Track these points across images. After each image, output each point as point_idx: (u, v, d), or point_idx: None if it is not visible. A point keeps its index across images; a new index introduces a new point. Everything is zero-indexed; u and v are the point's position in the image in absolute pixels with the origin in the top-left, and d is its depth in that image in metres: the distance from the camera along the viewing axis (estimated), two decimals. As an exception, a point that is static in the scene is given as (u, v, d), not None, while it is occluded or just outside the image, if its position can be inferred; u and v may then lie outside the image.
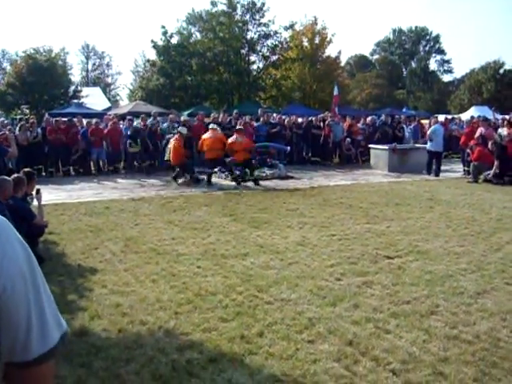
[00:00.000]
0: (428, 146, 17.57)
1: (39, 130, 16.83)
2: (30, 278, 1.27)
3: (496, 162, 15.43)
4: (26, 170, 8.00)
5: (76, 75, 66.98)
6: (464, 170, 17.71)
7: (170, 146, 15.57)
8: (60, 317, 1.36)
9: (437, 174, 17.22)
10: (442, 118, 25.41)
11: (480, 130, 16.91)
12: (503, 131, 16.30)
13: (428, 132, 18.27)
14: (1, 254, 1.22)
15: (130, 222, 9.80)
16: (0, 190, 6.37)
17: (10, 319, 1.24)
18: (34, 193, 7.83)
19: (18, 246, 1.27)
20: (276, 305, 5.52)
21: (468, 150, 17.14)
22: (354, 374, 4.09)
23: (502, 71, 59.10)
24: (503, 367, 4.18)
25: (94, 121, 18.70)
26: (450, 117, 28.41)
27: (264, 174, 16.33)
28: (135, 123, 19.07)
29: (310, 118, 22.04)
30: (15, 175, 7.25)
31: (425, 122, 25.68)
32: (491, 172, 15.42)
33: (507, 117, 22.05)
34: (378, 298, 5.75)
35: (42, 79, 36.67)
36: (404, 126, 22.85)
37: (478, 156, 15.95)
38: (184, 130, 15.75)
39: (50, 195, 12.12)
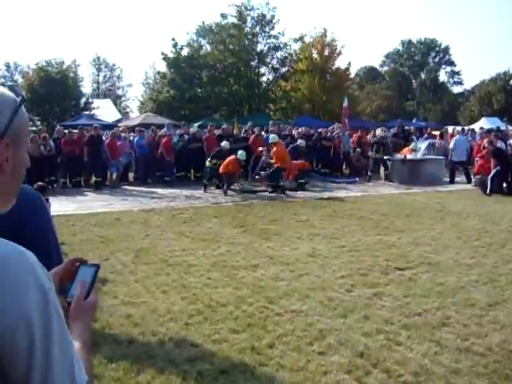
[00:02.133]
0: (450, 156, 18.07)
1: (52, 142, 16.87)
2: (39, 331, 1.06)
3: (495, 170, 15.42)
4: (40, 183, 8.04)
5: (87, 87, 67.45)
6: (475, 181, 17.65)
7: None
8: None
9: (469, 181, 17.89)
10: (458, 129, 25.72)
11: (485, 142, 16.96)
12: None
13: (451, 143, 18.69)
14: (2, 293, 1.03)
15: (140, 233, 9.83)
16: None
17: (9, 376, 1.05)
18: None
19: (31, 287, 1.07)
20: (286, 316, 5.51)
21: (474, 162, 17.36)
22: (366, 385, 4.07)
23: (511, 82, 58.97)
24: (516, 380, 4.15)
25: (110, 133, 18.68)
26: (458, 128, 28.43)
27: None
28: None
29: (319, 130, 22.08)
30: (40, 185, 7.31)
31: (435, 133, 25.69)
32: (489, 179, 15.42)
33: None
34: (388, 309, 5.73)
35: (54, 91, 37.00)
36: (414, 137, 22.80)
37: (480, 169, 15.97)
38: (243, 156, 16.17)
39: (61, 206, 12.17)
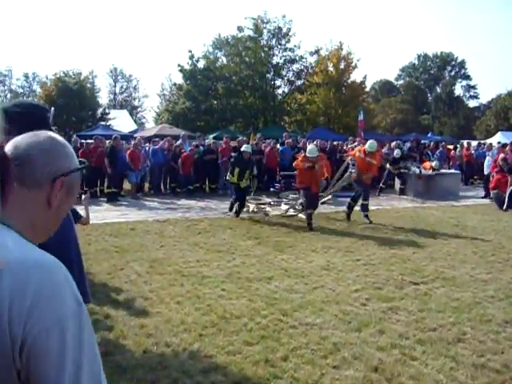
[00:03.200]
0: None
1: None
2: (72, 337, 1.16)
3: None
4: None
5: (104, 98, 68.26)
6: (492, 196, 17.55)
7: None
8: None
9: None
10: (474, 143, 25.86)
11: (501, 157, 16.89)
12: None
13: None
14: (37, 297, 1.14)
15: (155, 243, 9.86)
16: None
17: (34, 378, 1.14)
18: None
19: (68, 297, 1.19)
20: (301, 329, 5.49)
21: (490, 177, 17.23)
22: (380, 400, 4.04)
23: (528, 97, 58.68)
24: (533, 397, 4.10)
25: (132, 143, 18.70)
26: (474, 143, 28.46)
27: (289, 198, 16.34)
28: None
29: (334, 143, 22.09)
30: None
31: (450, 147, 25.66)
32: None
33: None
34: (403, 324, 5.69)
35: (71, 101, 37.43)
36: (429, 151, 22.75)
37: (496, 184, 15.85)
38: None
39: (77, 216, 12.22)
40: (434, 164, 18.82)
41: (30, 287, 1.14)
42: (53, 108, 2.33)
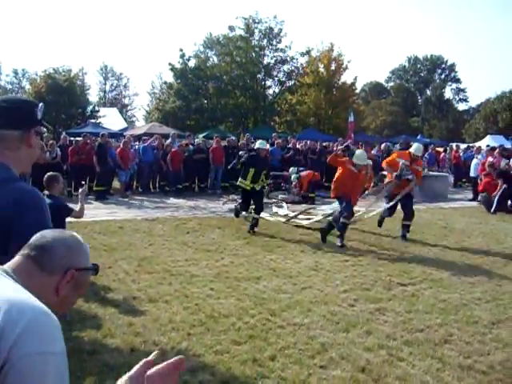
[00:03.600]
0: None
1: (58, 150, 16.81)
2: (55, 376, 1.27)
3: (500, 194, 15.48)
4: (51, 174, 7.94)
5: (94, 95, 67.96)
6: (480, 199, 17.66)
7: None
8: None
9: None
10: (463, 146, 26.09)
11: (489, 160, 17.06)
12: None
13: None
14: (28, 327, 1.25)
15: (143, 242, 9.84)
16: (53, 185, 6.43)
17: None
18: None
19: (57, 337, 1.32)
20: (289, 329, 5.51)
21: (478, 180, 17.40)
22: (367, 400, 4.06)
23: (517, 100, 59.08)
24: (518, 399, 4.14)
25: (122, 141, 18.56)
26: (463, 146, 28.71)
27: (278, 198, 16.36)
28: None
29: (324, 144, 22.13)
30: (50, 173, 7.25)
31: (439, 149, 25.81)
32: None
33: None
34: (391, 325, 5.72)
35: (61, 99, 37.21)
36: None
37: (485, 187, 15.98)
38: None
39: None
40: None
41: (23, 319, 1.26)
42: (41, 103, 2.32)
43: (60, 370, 1.29)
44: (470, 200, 18.28)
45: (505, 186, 15.41)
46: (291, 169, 16.95)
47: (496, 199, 15.37)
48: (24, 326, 1.24)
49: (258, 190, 11.51)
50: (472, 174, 19.15)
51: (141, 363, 1.37)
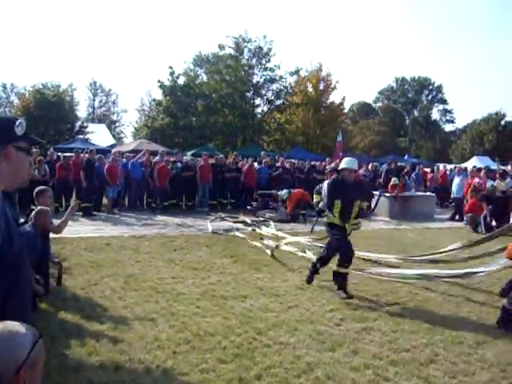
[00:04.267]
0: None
1: (46, 167, 16.71)
2: None
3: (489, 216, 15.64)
4: (42, 187, 7.94)
5: (82, 111, 67.99)
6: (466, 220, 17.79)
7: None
8: None
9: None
10: (450, 167, 26.50)
11: (475, 181, 17.27)
12: (498, 183, 16.66)
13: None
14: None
15: (130, 259, 9.80)
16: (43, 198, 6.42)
17: None
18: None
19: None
20: (275, 348, 5.49)
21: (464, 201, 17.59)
22: (352, 420, 4.05)
23: (503, 122, 59.86)
24: (503, 419, 4.15)
25: (111, 158, 18.43)
26: (450, 166, 29.00)
27: (266, 217, 16.38)
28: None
29: (312, 163, 22.23)
30: (40, 187, 7.23)
31: (427, 170, 26.01)
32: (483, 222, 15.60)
33: (509, 167, 22.60)
34: (377, 344, 5.72)
35: (49, 114, 37.15)
36: (406, 175, 22.98)
37: (471, 208, 16.15)
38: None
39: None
40: (392, 181, 18.83)
41: None
42: (21, 119, 2.33)
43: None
44: (450, 219, 18.44)
45: (490, 207, 15.59)
46: (284, 191, 16.95)
47: (482, 222, 15.55)
48: None
49: (348, 232, 8.04)
50: (454, 194, 19.21)
51: None
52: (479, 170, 20.28)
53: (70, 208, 6.58)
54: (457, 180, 19.39)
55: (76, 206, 6.81)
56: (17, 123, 2.28)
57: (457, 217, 18.58)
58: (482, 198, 16.02)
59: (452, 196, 19.52)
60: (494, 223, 15.67)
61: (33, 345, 1.49)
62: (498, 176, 18.03)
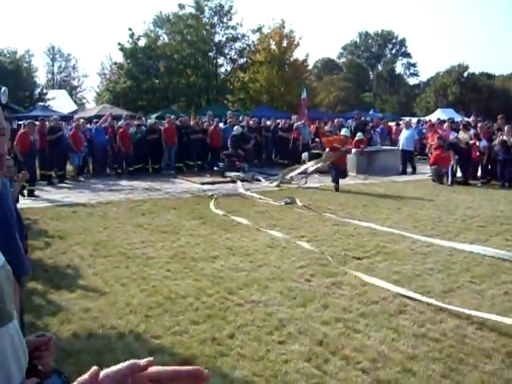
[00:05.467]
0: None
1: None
2: None
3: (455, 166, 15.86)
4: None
5: (41, 78, 66.06)
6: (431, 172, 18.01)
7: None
8: None
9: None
10: (414, 120, 26.43)
11: (438, 133, 17.45)
12: (461, 135, 16.82)
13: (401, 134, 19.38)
14: None
15: (98, 225, 9.71)
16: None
17: None
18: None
19: None
20: (246, 307, 5.54)
21: (429, 154, 17.72)
22: (325, 372, 4.14)
23: (466, 74, 60.26)
24: (469, 363, 4.28)
25: (74, 124, 18.04)
26: (414, 119, 29.19)
27: (232, 176, 16.37)
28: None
29: (277, 121, 22.14)
30: None
31: (391, 124, 26.17)
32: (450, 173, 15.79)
33: (471, 119, 22.85)
34: (347, 298, 5.81)
35: (6, 82, 36.03)
36: (371, 130, 23.06)
37: (435, 159, 16.31)
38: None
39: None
40: (357, 136, 18.75)
41: None
42: (4, 88, 2.25)
43: None
44: (401, 173, 18.60)
45: (456, 157, 15.77)
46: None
47: (450, 171, 15.72)
48: None
49: None
50: (404, 147, 18.96)
51: (126, 364, 0.95)
52: (441, 123, 20.43)
53: (20, 179, 6.39)
54: (405, 133, 19.29)
55: (25, 176, 6.63)
56: (1, 91, 2.19)
57: (409, 169, 18.79)
58: (449, 146, 16.18)
59: (401, 148, 19.15)
60: (459, 173, 15.93)
61: None
62: (461, 128, 18.15)
